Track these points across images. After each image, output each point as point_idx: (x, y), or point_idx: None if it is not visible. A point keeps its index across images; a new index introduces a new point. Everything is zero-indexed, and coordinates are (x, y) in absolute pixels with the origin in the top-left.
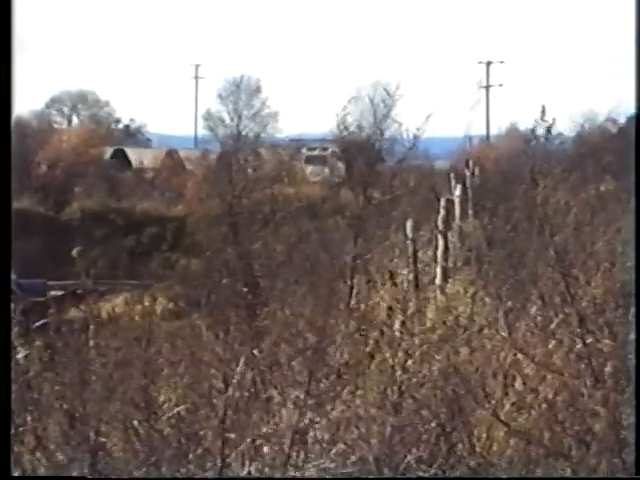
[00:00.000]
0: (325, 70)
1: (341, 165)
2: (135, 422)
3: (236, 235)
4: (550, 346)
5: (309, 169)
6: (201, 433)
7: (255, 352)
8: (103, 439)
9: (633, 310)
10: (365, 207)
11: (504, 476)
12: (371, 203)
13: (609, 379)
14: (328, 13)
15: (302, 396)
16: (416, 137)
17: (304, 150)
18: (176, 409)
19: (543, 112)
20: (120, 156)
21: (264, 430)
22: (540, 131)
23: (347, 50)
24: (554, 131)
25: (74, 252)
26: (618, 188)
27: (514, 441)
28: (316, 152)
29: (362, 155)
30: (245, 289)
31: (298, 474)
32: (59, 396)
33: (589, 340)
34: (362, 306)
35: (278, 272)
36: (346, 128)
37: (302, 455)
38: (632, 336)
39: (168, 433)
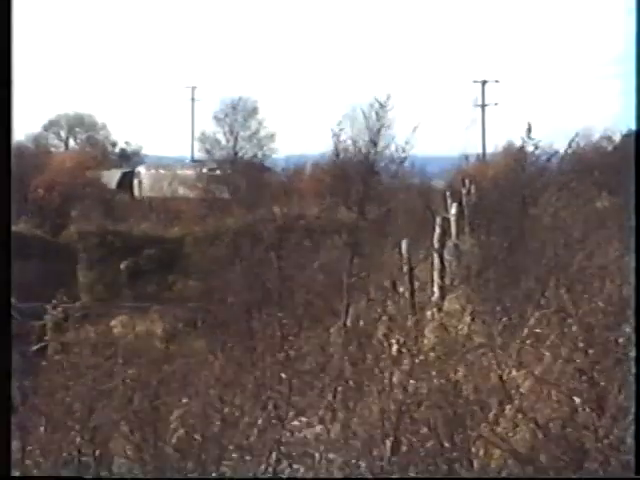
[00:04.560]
0: (321, 90)
1: (242, 184)
2: (141, 439)
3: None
4: (545, 361)
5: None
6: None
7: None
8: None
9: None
10: (361, 225)
11: None
12: (366, 220)
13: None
14: (324, 33)
15: (298, 414)
16: (405, 150)
17: (205, 170)
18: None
19: (529, 130)
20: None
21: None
22: (530, 148)
23: (343, 69)
24: (550, 149)
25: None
26: (614, 205)
27: (511, 459)
28: (217, 172)
29: (358, 173)
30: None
31: None
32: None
33: (590, 353)
34: (360, 324)
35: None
36: (341, 144)
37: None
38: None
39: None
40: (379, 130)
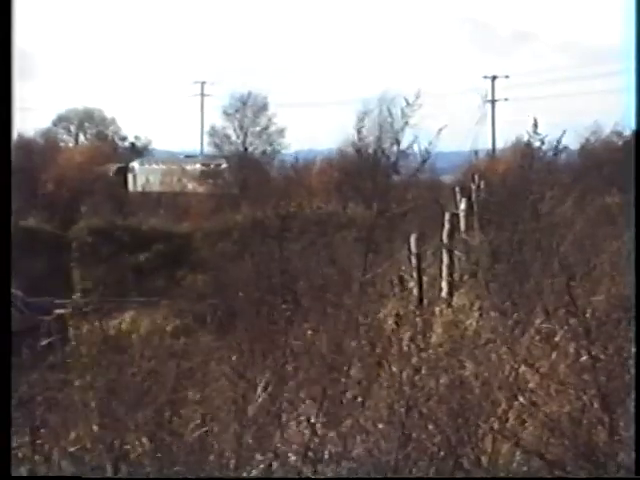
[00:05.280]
0: (330, 85)
1: (238, 179)
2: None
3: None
4: (554, 357)
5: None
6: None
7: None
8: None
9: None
10: (374, 221)
11: None
12: (383, 217)
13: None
14: (333, 28)
15: (314, 412)
16: (428, 151)
17: (198, 165)
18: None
19: (535, 125)
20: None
21: (277, 445)
22: (537, 144)
23: (352, 65)
24: (556, 144)
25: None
26: (623, 200)
27: (519, 454)
28: (211, 167)
29: (371, 169)
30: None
31: None
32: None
33: (594, 352)
34: (370, 320)
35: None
36: (361, 140)
37: (312, 470)
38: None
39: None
40: (392, 126)
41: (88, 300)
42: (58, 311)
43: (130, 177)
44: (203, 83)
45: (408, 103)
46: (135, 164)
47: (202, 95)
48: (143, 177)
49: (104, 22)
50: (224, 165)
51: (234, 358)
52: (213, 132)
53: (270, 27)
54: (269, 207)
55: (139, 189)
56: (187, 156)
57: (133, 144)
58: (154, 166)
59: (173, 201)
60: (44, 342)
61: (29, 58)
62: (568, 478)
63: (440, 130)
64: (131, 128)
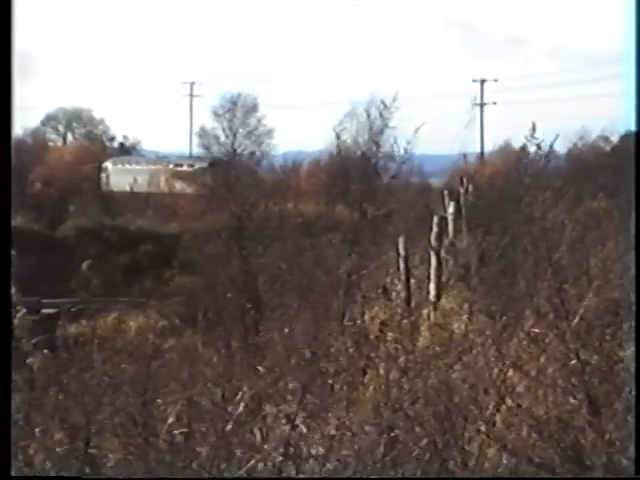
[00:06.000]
0: (320, 86)
1: (209, 180)
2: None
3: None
4: (543, 361)
5: (177, 184)
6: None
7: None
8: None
9: (626, 324)
10: (360, 223)
11: None
12: (367, 219)
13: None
14: (325, 30)
15: (297, 411)
16: (407, 151)
17: (171, 166)
18: (174, 425)
19: (533, 129)
20: None
21: (258, 444)
22: (532, 148)
23: (342, 67)
24: (547, 149)
25: (84, 266)
26: (611, 205)
27: (506, 457)
28: (184, 168)
29: (357, 171)
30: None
31: None
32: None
33: (583, 356)
34: (357, 322)
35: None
36: (343, 143)
37: (295, 470)
38: (627, 350)
39: (166, 448)
40: (382, 130)
41: (75, 300)
42: (45, 311)
43: (103, 177)
44: (192, 84)
45: (385, 106)
46: (108, 164)
47: (191, 96)
48: (116, 177)
49: (94, 22)
50: (197, 166)
51: (216, 358)
52: (202, 133)
53: (261, 28)
54: (250, 208)
55: (112, 189)
56: (159, 157)
57: (122, 144)
58: (127, 166)
59: (145, 201)
60: (33, 341)
61: (24, 57)
62: (568, 478)
63: (417, 129)
64: (120, 128)
